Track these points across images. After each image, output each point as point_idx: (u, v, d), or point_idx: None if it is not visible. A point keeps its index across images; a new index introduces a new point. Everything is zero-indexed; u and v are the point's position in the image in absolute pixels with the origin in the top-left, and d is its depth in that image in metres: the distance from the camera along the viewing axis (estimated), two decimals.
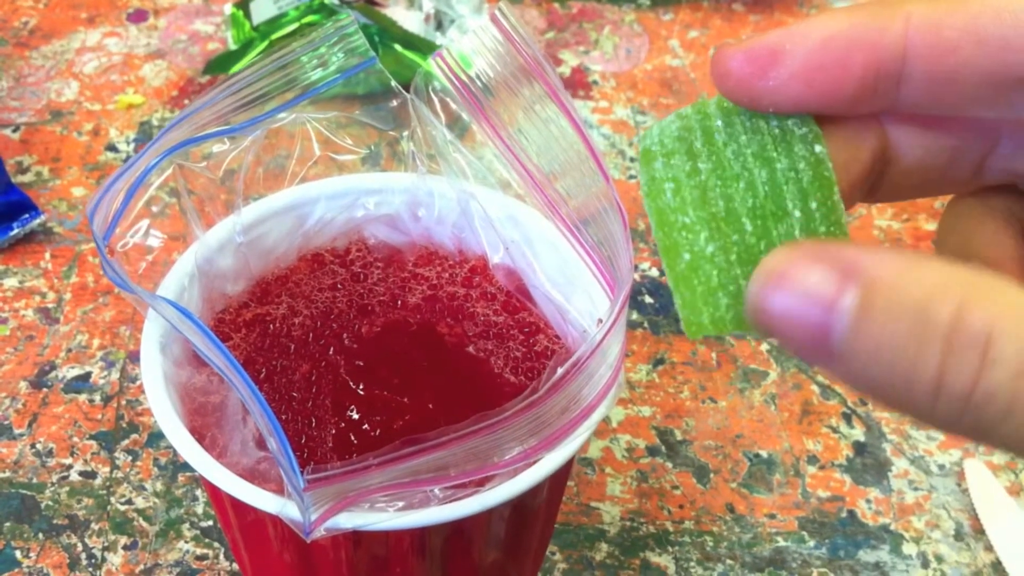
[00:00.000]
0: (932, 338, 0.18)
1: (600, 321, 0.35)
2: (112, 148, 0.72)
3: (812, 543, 0.53)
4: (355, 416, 0.39)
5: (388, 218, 0.44)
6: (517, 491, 0.34)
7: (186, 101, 0.75)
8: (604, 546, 0.52)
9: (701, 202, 0.20)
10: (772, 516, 0.54)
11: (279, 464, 0.31)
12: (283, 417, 0.39)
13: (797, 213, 0.20)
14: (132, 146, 0.72)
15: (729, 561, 0.52)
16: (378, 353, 0.41)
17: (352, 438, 0.38)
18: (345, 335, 0.42)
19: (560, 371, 0.31)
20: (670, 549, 0.53)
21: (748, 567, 0.52)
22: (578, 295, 0.42)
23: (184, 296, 0.40)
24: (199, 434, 0.38)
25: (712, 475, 0.56)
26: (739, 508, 0.55)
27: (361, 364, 0.40)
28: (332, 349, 0.41)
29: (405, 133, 0.42)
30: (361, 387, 0.40)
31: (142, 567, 0.51)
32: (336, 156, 0.42)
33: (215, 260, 0.41)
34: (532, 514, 0.40)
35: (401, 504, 0.33)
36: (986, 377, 0.18)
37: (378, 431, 0.38)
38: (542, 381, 0.31)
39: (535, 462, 0.34)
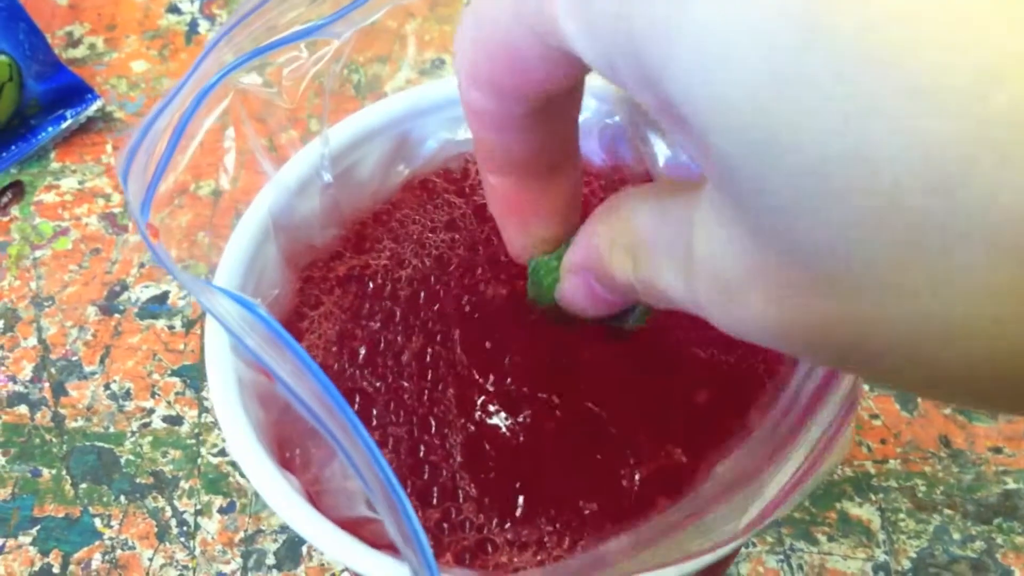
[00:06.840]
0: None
1: None
2: (174, 10, 0.61)
3: None
4: (488, 419, 0.29)
5: None
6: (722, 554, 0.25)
7: None
8: None
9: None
10: (998, 450, 0.44)
11: (406, 559, 0.22)
12: (394, 418, 0.29)
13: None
14: (197, 5, 0.61)
15: (947, 511, 0.42)
16: (505, 327, 0.31)
17: (487, 448, 0.29)
18: (466, 298, 0.31)
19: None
20: (872, 497, 0.43)
21: (972, 517, 0.42)
22: None
23: (258, 263, 0.30)
24: (287, 448, 0.29)
25: (920, 399, 0.45)
26: (956, 441, 0.44)
27: (488, 346, 0.30)
28: (451, 319, 0.31)
29: None
30: (491, 381, 0.30)
31: (242, 534, 0.43)
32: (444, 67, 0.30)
33: (296, 206, 0.31)
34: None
35: None
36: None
37: (522, 436, 0.29)
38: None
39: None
